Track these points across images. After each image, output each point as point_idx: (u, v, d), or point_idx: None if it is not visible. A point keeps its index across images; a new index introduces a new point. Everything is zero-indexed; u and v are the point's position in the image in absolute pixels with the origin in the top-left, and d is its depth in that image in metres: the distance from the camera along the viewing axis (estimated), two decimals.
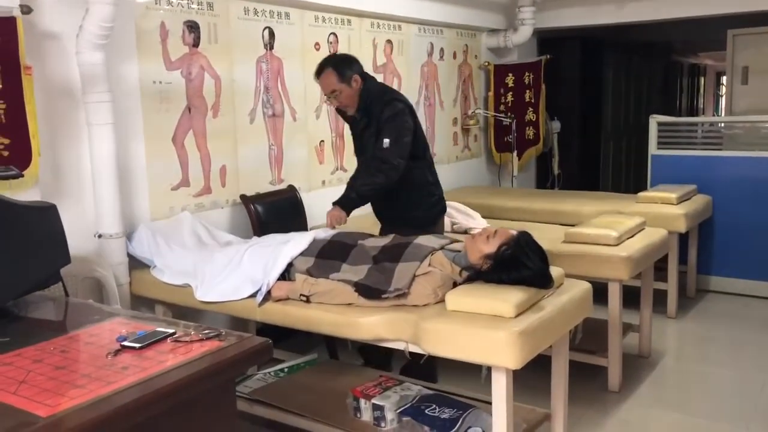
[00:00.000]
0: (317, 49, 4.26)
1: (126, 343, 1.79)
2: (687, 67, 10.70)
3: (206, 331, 1.88)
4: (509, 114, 5.97)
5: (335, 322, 2.55)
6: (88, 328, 1.99)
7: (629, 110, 8.35)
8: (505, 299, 2.31)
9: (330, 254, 2.77)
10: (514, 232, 2.52)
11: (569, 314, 2.54)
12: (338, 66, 3.17)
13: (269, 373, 3.26)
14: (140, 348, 1.77)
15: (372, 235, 2.92)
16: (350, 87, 3.16)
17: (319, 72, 3.19)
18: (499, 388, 2.27)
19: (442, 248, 2.64)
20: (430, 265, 2.54)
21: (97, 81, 2.97)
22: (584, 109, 7.24)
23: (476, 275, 2.50)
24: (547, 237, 3.38)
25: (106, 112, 3.00)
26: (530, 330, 2.24)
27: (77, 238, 3.02)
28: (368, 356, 3.45)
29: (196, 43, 3.53)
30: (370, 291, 2.53)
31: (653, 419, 3.25)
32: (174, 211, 3.48)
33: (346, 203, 3.18)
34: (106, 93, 2.99)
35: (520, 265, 2.41)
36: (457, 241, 2.75)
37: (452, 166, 5.69)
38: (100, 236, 3.08)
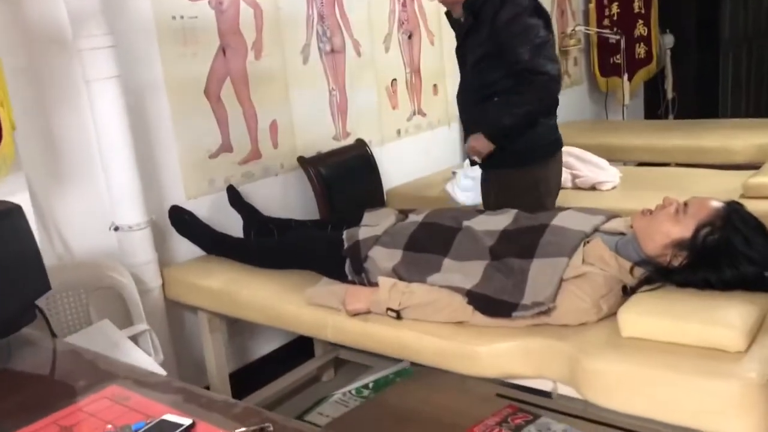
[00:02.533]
0: None
1: None
2: None
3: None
4: (616, 29, 4.91)
5: (441, 350, 1.73)
6: (60, 412, 1.24)
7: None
8: (727, 322, 1.42)
9: (424, 244, 1.93)
10: (718, 204, 1.61)
11: None
12: None
13: (350, 392, 2.50)
14: None
15: (480, 211, 2.06)
16: None
17: None
18: None
19: (596, 231, 1.76)
20: (584, 262, 1.67)
21: (92, 19, 2.17)
22: (699, 16, 6.01)
23: (659, 274, 1.61)
24: (707, 189, 2.44)
25: (108, 61, 2.20)
26: None
27: (87, 234, 2.31)
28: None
29: None
30: (492, 305, 1.69)
31: None
32: (215, 185, 2.71)
33: (496, 132, 2.31)
34: (105, 36, 2.19)
35: (736, 257, 1.52)
36: (615, 215, 1.86)
37: None
38: (116, 229, 2.34)
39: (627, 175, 2.98)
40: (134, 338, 2.15)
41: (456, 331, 1.73)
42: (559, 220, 1.79)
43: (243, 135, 2.80)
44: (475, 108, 2.37)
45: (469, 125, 2.44)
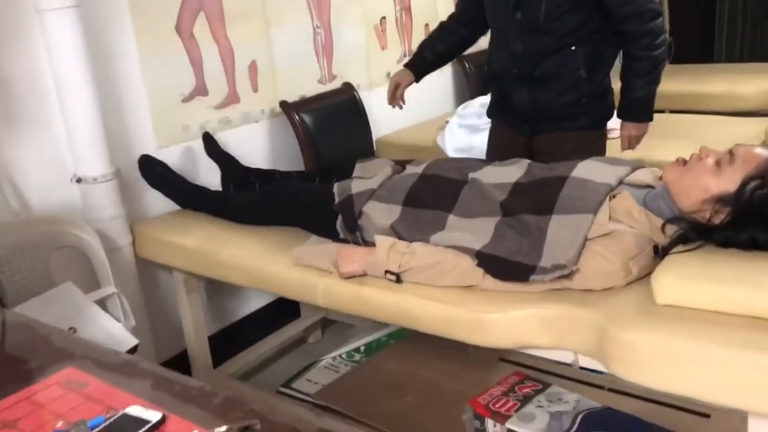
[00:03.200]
0: None
1: None
2: None
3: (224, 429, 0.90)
4: None
5: (448, 318, 1.54)
6: (1, 402, 1.04)
7: None
8: None
9: (426, 199, 1.72)
10: (766, 153, 1.41)
11: None
12: None
13: (340, 356, 2.32)
14: None
15: (485, 162, 1.85)
16: None
17: None
18: None
19: (621, 183, 1.56)
20: (610, 218, 1.47)
21: None
22: None
23: (696, 232, 1.42)
24: (723, 137, 2.25)
25: None
26: None
27: (46, 187, 2.08)
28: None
29: None
30: (506, 268, 1.49)
31: None
32: (190, 133, 2.46)
33: (644, 107, 2.05)
34: None
35: None
36: (639, 165, 1.65)
37: None
38: (79, 181, 2.10)
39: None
40: (102, 302, 1.93)
41: (464, 297, 1.54)
42: (580, 171, 1.58)
43: (219, 77, 2.54)
44: (548, 61, 1.98)
45: (532, 82, 2.03)
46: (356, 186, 1.85)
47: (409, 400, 2.01)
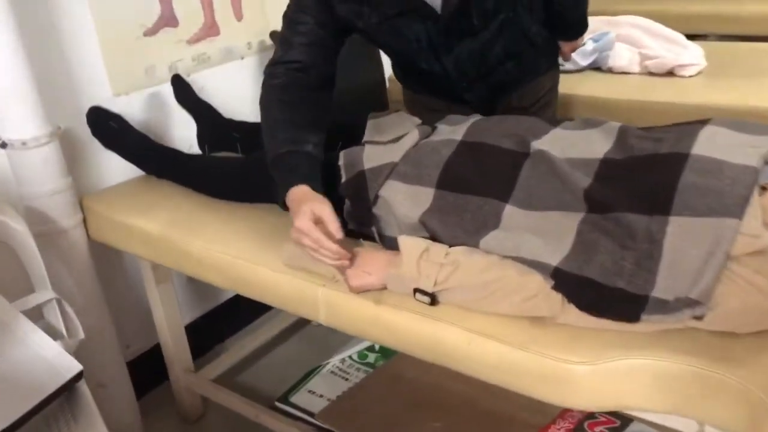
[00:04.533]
0: None
1: None
2: None
3: None
4: None
5: (508, 364, 1.05)
6: None
7: None
8: None
9: (469, 180, 1.21)
10: None
11: None
12: None
13: (349, 357, 1.87)
14: None
15: (551, 122, 1.32)
16: None
17: None
18: None
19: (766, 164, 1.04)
20: (764, 224, 0.97)
21: None
22: None
23: None
24: None
25: None
26: None
27: None
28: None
29: None
30: (600, 297, 0.99)
31: None
32: (155, 76, 1.93)
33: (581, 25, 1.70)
34: None
35: None
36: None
37: None
38: (4, 146, 1.60)
39: (712, 54, 2.21)
40: (38, 311, 1.47)
41: (532, 333, 1.05)
42: (707, 144, 1.06)
43: (192, 2, 1.99)
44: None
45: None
46: (369, 157, 1.34)
47: (440, 427, 1.57)
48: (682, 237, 0.97)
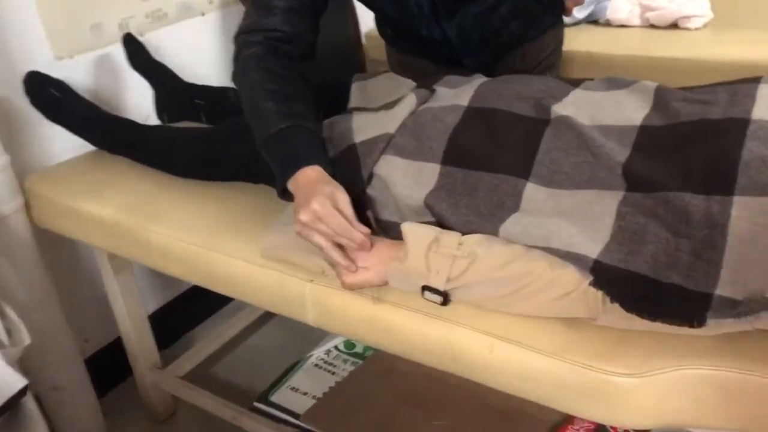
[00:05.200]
0: None
1: None
2: None
3: None
4: None
5: (541, 375, 0.89)
6: None
7: None
8: None
9: (481, 152, 1.02)
10: None
11: None
12: None
13: (335, 348, 1.70)
14: None
15: (572, 81, 1.13)
16: None
17: None
18: None
19: None
20: None
21: None
22: None
23: None
24: None
25: None
26: None
27: None
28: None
29: None
30: (654, 297, 0.83)
31: None
32: (104, 35, 1.69)
33: None
34: None
35: None
36: None
37: None
38: None
39: (718, 4, 2.04)
40: None
41: (568, 338, 0.88)
42: (766, 107, 0.89)
43: None
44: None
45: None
46: (360, 127, 1.14)
47: (443, 426, 1.42)
48: (751, 221, 0.80)
